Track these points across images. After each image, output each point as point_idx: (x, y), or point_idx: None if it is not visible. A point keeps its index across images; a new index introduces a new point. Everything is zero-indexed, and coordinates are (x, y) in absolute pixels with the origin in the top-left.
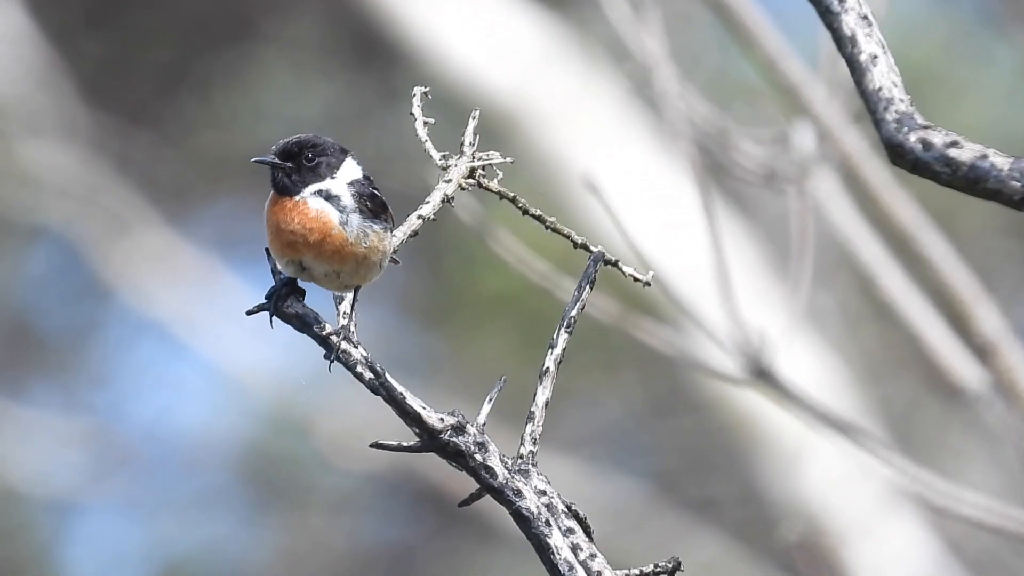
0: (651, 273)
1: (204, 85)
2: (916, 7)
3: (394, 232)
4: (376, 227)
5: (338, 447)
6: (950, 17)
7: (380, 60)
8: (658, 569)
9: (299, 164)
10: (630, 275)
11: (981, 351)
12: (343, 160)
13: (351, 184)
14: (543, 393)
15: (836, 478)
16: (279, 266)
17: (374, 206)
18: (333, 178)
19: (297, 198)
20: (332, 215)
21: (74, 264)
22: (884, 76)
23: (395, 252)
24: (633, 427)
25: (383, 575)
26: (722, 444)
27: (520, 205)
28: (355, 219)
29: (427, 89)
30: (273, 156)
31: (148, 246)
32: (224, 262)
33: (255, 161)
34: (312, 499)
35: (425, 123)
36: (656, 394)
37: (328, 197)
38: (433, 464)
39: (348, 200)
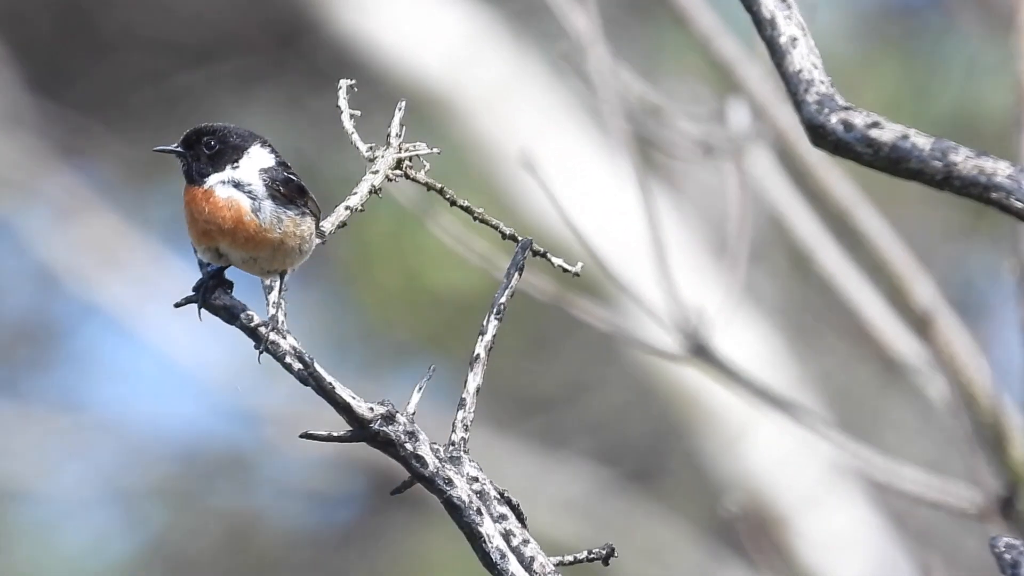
0: (579, 264)
1: (147, 73)
2: None
3: (321, 219)
4: (290, 213)
5: (285, 433)
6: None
7: (307, 47)
8: (592, 555)
9: (199, 152)
10: (559, 266)
11: (918, 324)
12: (249, 146)
13: (263, 171)
14: (474, 380)
15: (780, 454)
16: (198, 253)
17: (288, 191)
18: (236, 166)
19: (206, 187)
20: (243, 202)
21: (19, 252)
22: (804, 58)
23: (323, 240)
24: (574, 407)
25: (333, 559)
26: (665, 422)
27: (448, 196)
28: (267, 205)
29: (353, 82)
30: (176, 145)
31: (94, 234)
32: (170, 248)
33: (156, 150)
34: (260, 485)
35: (352, 115)
36: (597, 373)
37: (237, 185)
38: (376, 451)
39: (259, 187)
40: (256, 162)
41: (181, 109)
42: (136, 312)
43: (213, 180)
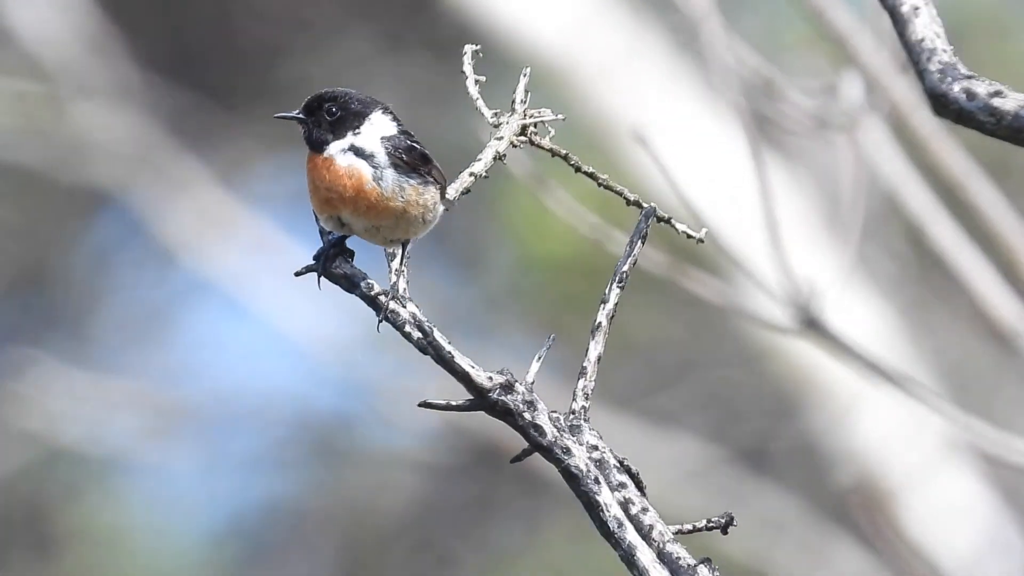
0: (704, 230)
1: (258, 47)
2: None
3: (444, 185)
4: (413, 181)
5: (396, 405)
6: None
7: (426, 18)
8: (711, 524)
9: (320, 119)
10: (683, 232)
11: None
12: (371, 113)
13: (385, 139)
14: (595, 348)
15: (889, 428)
16: (320, 222)
17: (411, 159)
18: (357, 133)
19: (327, 155)
20: (365, 171)
21: (130, 226)
22: (926, 27)
23: (448, 208)
24: (686, 381)
25: (440, 533)
26: (776, 396)
27: (572, 162)
28: (389, 174)
29: (478, 47)
30: (298, 111)
31: (204, 207)
32: (279, 222)
33: (277, 117)
34: (369, 457)
35: (476, 81)
36: (708, 347)
37: (359, 152)
38: (488, 421)
39: (381, 155)
40: (378, 129)
41: (296, 84)
42: (248, 287)
43: (334, 148)
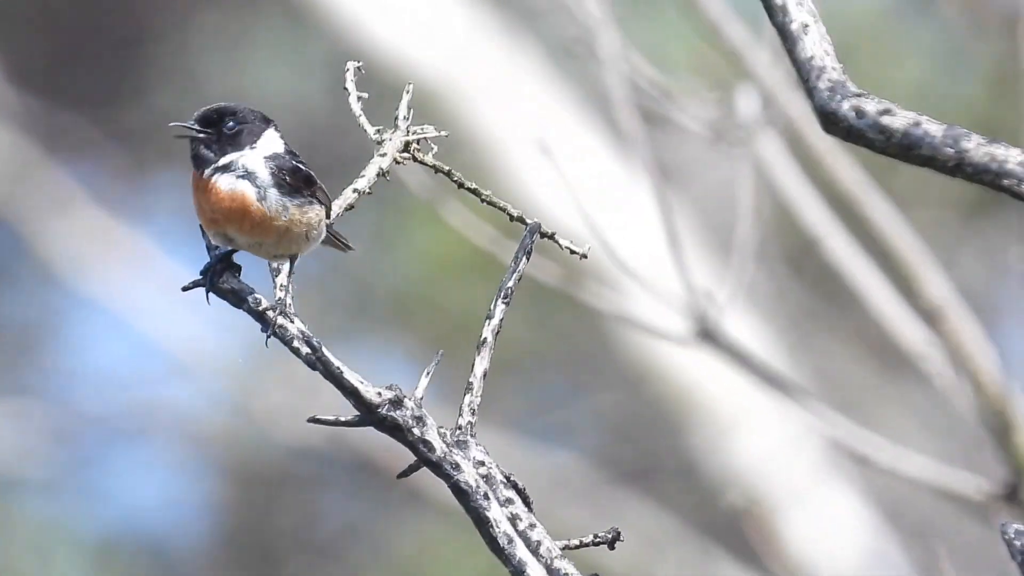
0: (587, 246)
1: (133, 62)
2: None
3: (329, 205)
4: (296, 201)
5: (278, 421)
6: None
7: (307, 36)
8: (598, 539)
9: (219, 132)
10: (567, 247)
11: (928, 315)
12: (264, 130)
13: (269, 158)
14: (481, 364)
15: (773, 446)
16: (208, 236)
17: (294, 180)
18: (253, 148)
19: (213, 176)
20: (249, 191)
21: (9, 244)
22: (816, 45)
23: (331, 225)
24: (569, 400)
25: (322, 548)
26: (659, 415)
27: (455, 179)
28: (273, 193)
29: (360, 64)
30: (192, 123)
31: (82, 225)
32: (158, 238)
33: (173, 126)
34: (252, 473)
35: (359, 97)
36: (592, 366)
37: (244, 172)
38: (372, 437)
39: (265, 175)
40: (266, 147)
41: (173, 100)
42: (130, 303)
43: (221, 165)
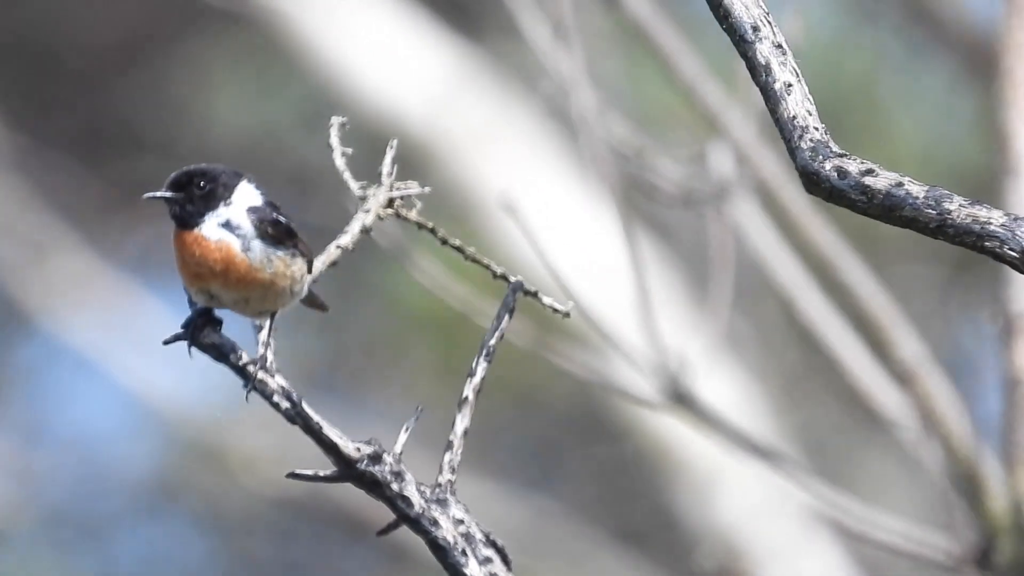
0: (570, 304)
1: (123, 108)
2: (836, 33)
3: (311, 259)
4: (280, 253)
5: (255, 473)
6: (871, 43)
7: (295, 89)
8: None
9: (190, 194)
10: (549, 306)
11: (900, 376)
12: (237, 184)
13: (250, 210)
14: (462, 422)
15: (753, 504)
16: (190, 294)
17: (276, 232)
18: (228, 204)
19: (196, 230)
20: (234, 243)
21: None
22: (799, 104)
23: (315, 280)
24: (552, 454)
25: None
26: (640, 471)
27: (439, 235)
28: (256, 245)
29: (345, 120)
30: (165, 190)
31: (67, 271)
32: (145, 287)
33: (147, 197)
34: (228, 524)
35: (343, 153)
36: (575, 422)
37: (227, 225)
38: (351, 491)
39: (247, 227)
40: (245, 201)
41: (160, 143)
42: (109, 351)
43: (203, 222)
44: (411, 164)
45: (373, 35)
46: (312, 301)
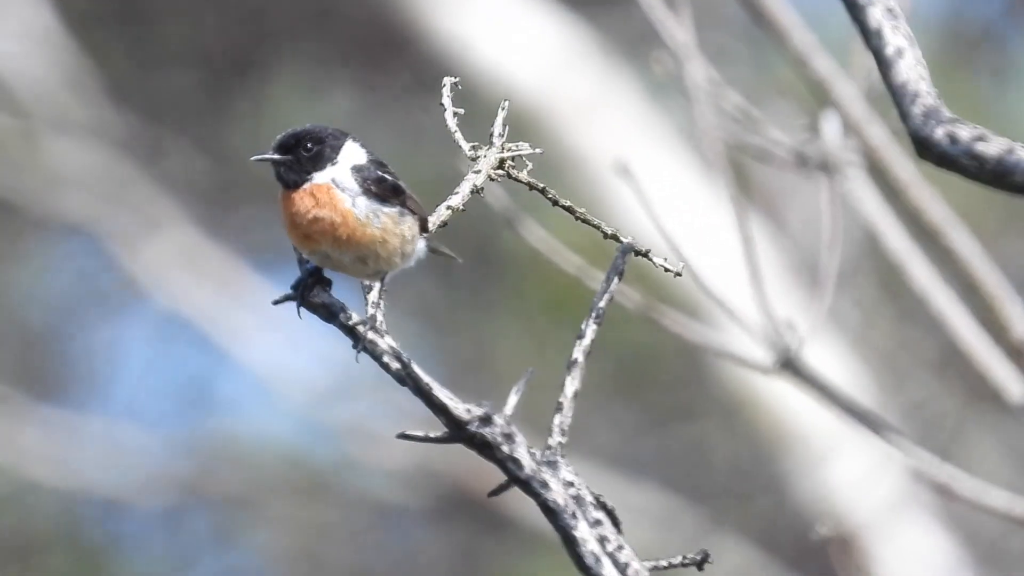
0: (682, 264)
1: (233, 86)
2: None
3: (425, 218)
4: (387, 209)
5: (367, 444)
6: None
7: (406, 60)
8: (686, 560)
9: (298, 156)
10: (661, 266)
11: (1011, 349)
12: (343, 143)
13: (354, 169)
14: (572, 384)
15: (860, 475)
16: (300, 256)
17: (380, 190)
18: (335, 163)
19: (304, 188)
20: (340, 197)
21: (102, 262)
22: (911, 70)
23: (428, 240)
24: (655, 428)
25: (410, 574)
26: (748, 444)
27: (550, 196)
28: (361, 201)
29: (457, 79)
30: (272, 152)
31: (177, 246)
32: (253, 263)
33: (255, 159)
34: (341, 497)
35: (455, 114)
36: (681, 396)
37: (333, 183)
38: (460, 461)
39: (351, 183)
40: (350, 159)
41: (271, 119)
42: (221, 325)
43: (309, 180)
44: (522, 133)
45: (486, 6)
46: (441, 253)
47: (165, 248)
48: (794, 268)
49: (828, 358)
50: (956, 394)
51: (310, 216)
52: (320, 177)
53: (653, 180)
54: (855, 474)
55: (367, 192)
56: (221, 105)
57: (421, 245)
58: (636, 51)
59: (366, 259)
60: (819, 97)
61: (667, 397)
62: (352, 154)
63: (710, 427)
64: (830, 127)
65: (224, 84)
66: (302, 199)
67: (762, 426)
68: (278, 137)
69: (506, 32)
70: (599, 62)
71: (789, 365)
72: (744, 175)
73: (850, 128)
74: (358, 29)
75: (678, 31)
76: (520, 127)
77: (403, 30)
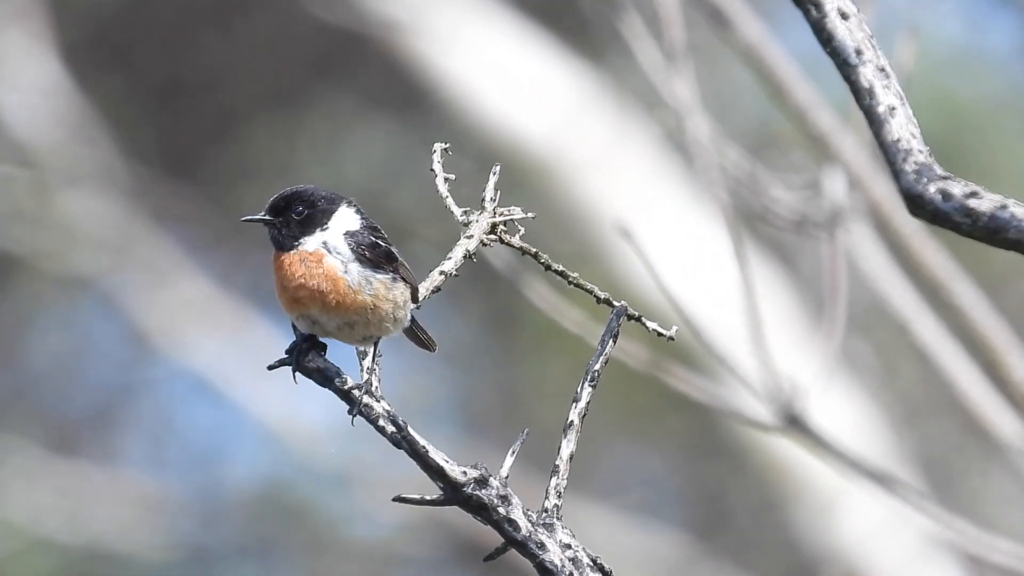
0: (674, 328)
1: (240, 136)
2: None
3: (415, 287)
4: (379, 276)
5: (373, 498)
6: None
7: (418, 112)
8: None
9: (288, 218)
10: (653, 330)
11: (1016, 401)
12: (335, 209)
13: (347, 234)
14: (567, 447)
15: (873, 525)
16: (292, 321)
17: (374, 256)
18: (325, 229)
19: (293, 252)
20: (332, 264)
21: (111, 314)
22: (902, 127)
23: (418, 306)
24: (666, 476)
25: None
26: (758, 491)
27: (542, 261)
28: (354, 268)
29: (447, 145)
30: (264, 213)
31: (185, 297)
32: (260, 312)
33: (244, 220)
34: (347, 550)
35: (446, 179)
36: (691, 441)
37: (324, 247)
38: (465, 516)
39: (344, 249)
40: (342, 225)
41: (276, 172)
42: (225, 374)
43: (299, 245)
44: (530, 185)
45: (497, 59)
46: (418, 338)
47: (175, 299)
48: (806, 314)
49: (842, 404)
50: (972, 437)
51: (297, 283)
52: (311, 243)
53: (665, 232)
54: (869, 522)
55: (360, 258)
56: (230, 153)
57: (411, 309)
58: (649, 99)
59: (354, 325)
60: (821, 151)
61: (683, 440)
62: (345, 219)
63: (720, 470)
64: (833, 183)
65: (237, 130)
66: (292, 265)
67: (770, 472)
68: (271, 198)
69: (517, 81)
70: (611, 111)
71: (794, 422)
72: (755, 224)
73: (853, 181)
74: (375, 79)
75: (679, 87)
76: (530, 179)
77: (415, 82)
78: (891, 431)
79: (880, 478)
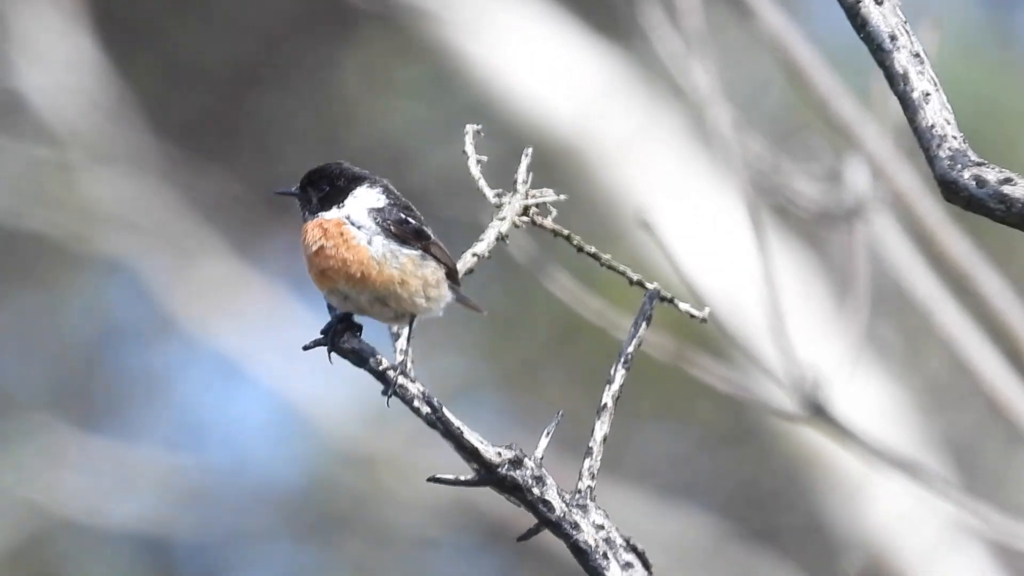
0: (707, 309)
1: (271, 116)
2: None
3: (453, 267)
4: (406, 251)
5: (403, 480)
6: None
7: (446, 93)
8: None
9: (315, 193)
10: (686, 312)
11: None
12: (359, 187)
13: (373, 210)
14: (601, 428)
15: (900, 511)
16: (325, 298)
17: (400, 231)
18: (345, 205)
19: (314, 219)
20: (352, 233)
21: (142, 295)
22: (937, 113)
23: (456, 289)
24: (697, 459)
25: None
26: (786, 477)
27: (575, 243)
28: (378, 240)
29: (479, 127)
30: (295, 187)
31: (215, 277)
32: (291, 293)
33: (276, 193)
34: (375, 533)
35: (478, 160)
36: (721, 426)
37: (347, 219)
38: (497, 498)
39: (368, 222)
40: (366, 202)
41: (309, 151)
42: (255, 355)
43: (322, 215)
44: (557, 169)
45: (525, 41)
46: (466, 302)
47: (204, 279)
48: (830, 302)
49: (870, 390)
50: (999, 422)
51: (316, 248)
52: (331, 214)
53: (688, 218)
54: (896, 507)
55: (386, 232)
56: (261, 132)
57: (447, 293)
58: (675, 84)
59: (386, 300)
60: (844, 140)
61: (713, 424)
62: (368, 196)
63: (748, 455)
64: (855, 172)
65: (266, 107)
66: (312, 230)
67: (799, 457)
68: (307, 171)
69: (546, 66)
70: (639, 96)
71: (817, 411)
72: (777, 211)
73: (876, 170)
74: (399, 62)
75: (700, 75)
76: (557, 163)
77: (445, 64)
78: (918, 415)
79: (904, 466)
